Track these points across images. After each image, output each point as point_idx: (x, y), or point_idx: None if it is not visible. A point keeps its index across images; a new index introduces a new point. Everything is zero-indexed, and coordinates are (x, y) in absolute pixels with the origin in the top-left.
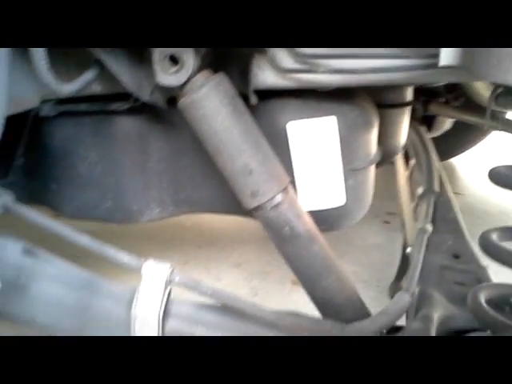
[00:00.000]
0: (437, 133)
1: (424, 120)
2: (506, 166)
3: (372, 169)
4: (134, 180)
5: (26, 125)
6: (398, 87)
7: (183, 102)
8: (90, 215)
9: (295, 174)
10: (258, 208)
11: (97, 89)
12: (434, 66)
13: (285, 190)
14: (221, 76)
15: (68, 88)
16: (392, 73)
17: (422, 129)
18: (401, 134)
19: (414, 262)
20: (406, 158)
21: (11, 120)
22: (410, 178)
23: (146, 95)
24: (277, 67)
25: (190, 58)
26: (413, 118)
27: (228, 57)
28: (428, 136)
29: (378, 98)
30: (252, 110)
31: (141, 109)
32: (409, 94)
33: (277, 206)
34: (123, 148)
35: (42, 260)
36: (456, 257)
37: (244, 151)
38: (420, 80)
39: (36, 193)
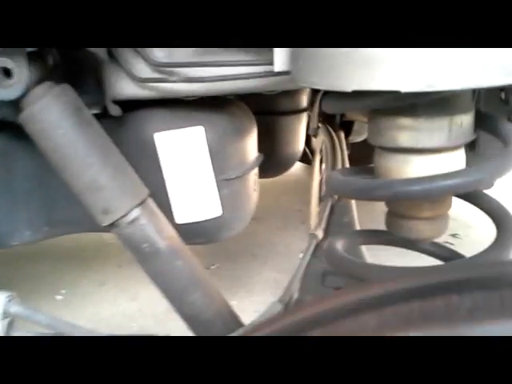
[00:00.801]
0: (357, 138)
1: (342, 125)
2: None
3: (250, 177)
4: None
5: None
6: (289, 94)
7: (22, 116)
8: None
9: (167, 186)
10: (112, 225)
11: None
12: (272, 72)
13: (142, 204)
14: (63, 87)
15: None
16: (237, 80)
17: (338, 134)
18: (296, 141)
19: (296, 269)
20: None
21: None
22: (321, 181)
23: None
24: (133, 76)
25: (23, 70)
26: (329, 124)
27: (82, 67)
28: (345, 141)
29: (267, 106)
30: (118, 121)
31: (1, 124)
32: (303, 102)
33: (133, 221)
34: None
35: None
36: None
37: (91, 166)
38: (265, 88)
39: None
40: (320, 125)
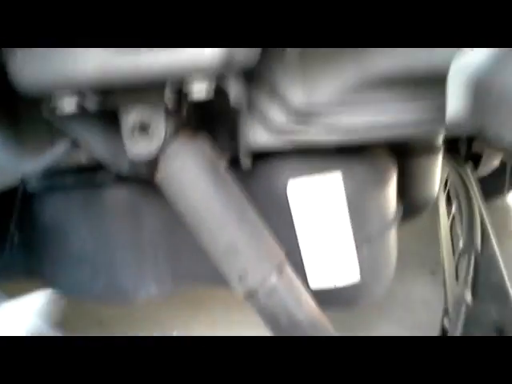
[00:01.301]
0: (485, 171)
1: (469, 159)
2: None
3: (391, 234)
4: (127, 255)
5: (15, 200)
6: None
7: (157, 175)
8: (84, 294)
9: (300, 244)
10: (248, 294)
11: (82, 159)
12: (440, 121)
13: (279, 268)
14: (198, 141)
15: (31, 166)
16: (394, 129)
17: (466, 169)
18: (431, 183)
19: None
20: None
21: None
22: (452, 226)
23: (124, 168)
24: (269, 126)
25: (160, 125)
26: (456, 158)
27: (215, 117)
28: (473, 176)
29: (399, 146)
30: (247, 171)
31: (130, 179)
32: (438, 138)
33: (270, 291)
34: (114, 221)
35: None
36: (500, 331)
37: (227, 229)
38: (425, 135)
39: (33, 268)
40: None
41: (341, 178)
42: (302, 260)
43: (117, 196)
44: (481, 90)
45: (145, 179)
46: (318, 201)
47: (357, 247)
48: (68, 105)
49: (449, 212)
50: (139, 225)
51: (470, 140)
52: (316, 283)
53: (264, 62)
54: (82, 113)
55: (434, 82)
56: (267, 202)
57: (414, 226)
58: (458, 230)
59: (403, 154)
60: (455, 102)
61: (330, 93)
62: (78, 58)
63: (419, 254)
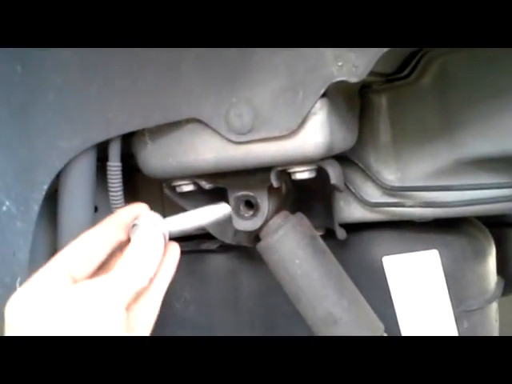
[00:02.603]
0: None
1: None
2: None
3: (492, 307)
4: (226, 320)
5: None
6: None
7: (260, 245)
8: None
9: (398, 317)
10: None
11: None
12: None
13: None
14: (298, 217)
15: None
16: (491, 205)
17: None
18: None
19: None
20: None
21: None
22: None
23: (228, 238)
24: (363, 201)
25: (264, 201)
26: None
27: (311, 193)
28: None
29: (498, 218)
30: (342, 243)
31: (231, 246)
32: None
33: None
34: (214, 286)
35: None
36: None
37: (326, 298)
38: None
39: None
40: None
41: (438, 255)
42: (399, 332)
43: (217, 261)
44: None
45: (245, 247)
46: (415, 276)
47: (456, 321)
48: (186, 186)
49: None
50: (237, 289)
51: None
52: None
53: (358, 145)
54: (197, 191)
55: None
56: (361, 274)
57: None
58: None
59: (502, 226)
60: None
61: (424, 173)
62: (197, 149)
63: None
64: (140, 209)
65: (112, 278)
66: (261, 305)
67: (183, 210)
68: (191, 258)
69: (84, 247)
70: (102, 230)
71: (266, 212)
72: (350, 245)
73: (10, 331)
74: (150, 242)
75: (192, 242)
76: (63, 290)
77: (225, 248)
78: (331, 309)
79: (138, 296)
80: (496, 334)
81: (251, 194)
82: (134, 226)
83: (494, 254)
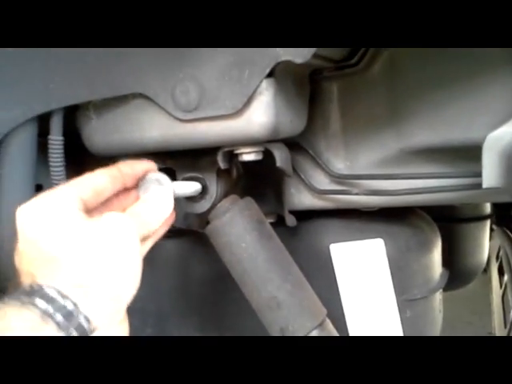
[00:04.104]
0: None
1: None
2: None
3: (436, 298)
4: (175, 307)
5: None
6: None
7: (208, 228)
8: None
9: (343, 304)
10: None
11: None
12: (478, 186)
13: (321, 325)
14: (247, 201)
15: None
16: (434, 193)
17: None
18: (479, 251)
19: None
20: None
21: None
22: (503, 297)
23: (178, 222)
24: (312, 188)
25: (213, 184)
26: (507, 225)
27: (263, 180)
28: None
29: (448, 212)
30: (290, 230)
31: (182, 231)
32: (487, 207)
33: None
34: (164, 272)
35: None
36: None
37: (270, 281)
38: (463, 200)
39: None
40: (495, 227)
41: (383, 244)
42: (343, 319)
43: (168, 248)
44: None
45: (195, 232)
46: (360, 264)
47: (400, 309)
48: None
49: (501, 283)
50: (187, 276)
51: None
52: None
53: (308, 132)
54: None
55: (472, 151)
56: (309, 261)
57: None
58: (510, 300)
59: (451, 221)
60: (491, 170)
61: (371, 162)
62: (142, 126)
63: (472, 325)
64: (150, 166)
65: (134, 214)
66: (211, 291)
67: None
68: None
69: (97, 180)
70: (114, 172)
71: (214, 195)
72: (300, 233)
73: (23, 238)
74: (166, 196)
75: None
76: (77, 211)
77: (176, 233)
78: (275, 292)
79: (143, 239)
80: (439, 324)
81: (200, 175)
82: (143, 179)
83: (440, 246)
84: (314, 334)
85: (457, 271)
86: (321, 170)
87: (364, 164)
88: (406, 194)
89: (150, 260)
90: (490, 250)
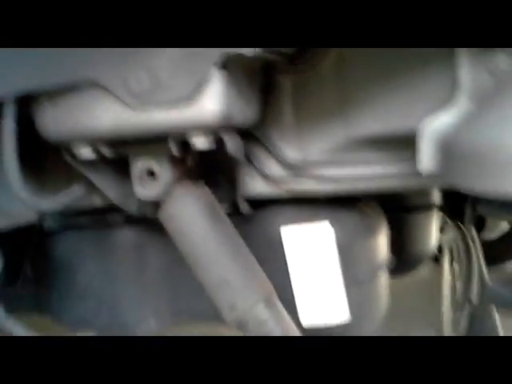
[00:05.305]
0: (491, 235)
1: (475, 221)
2: None
3: (381, 280)
4: (130, 292)
5: (32, 237)
6: (419, 190)
7: (161, 213)
8: (87, 326)
9: (293, 285)
10: (237, 322)
11: (97, 202)
12: (417, 172)
13: (267, 299)
14: (199, 187)
15: (47, 204)
16: (380, 180)
17: (470, 231)
18: (426, 239)
19: None
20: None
21: (19, 231)
22: (453, 284)
23: (133, 209)
24: (265, 176)
25: (165, 171)
26: (460, 220)
27: (216, 166)
28: (478, 239)
29: (395, 202)
30: (245, 218)
31: (138, 220)
32: (434, 197)
33: (258, 320)
34: (120, 260)
35: None
36: None
37: (220, 263)
38: (407, 187)
39: (42, 303)
40: (448, 220)
41: (330, 227)
42: (294, 301)
43: (124, 235)
44: (448, 147)
45: (151, 221)
46: (309, 246)
47: (346, 290)
48: (85, 152)
49: (452, 271)
50: (143, 262)
51: (475, 203)
52: (308, 321)
53: (262, 123)
54: (98, 159)
55: (413, 141)
56: (262, 247)
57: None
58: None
59: (399, 210)
60: (425, 155)
61: (322, 150)
62: (95, 113)
63: (425, 313)
64: None
65: None
66: (166, 278)
67: (90, 185)
68: (98, 231)
69: None
70: None
71: (166, 181)
72: (253, 220)
73: None
74: None
75: (97, 216)
76: None
77: (132, 221)
78: (223, 273)
79: None
80: (384, 306)
81: (153, 162)
82: None
83: (385, 233)
84: (261, 307)
85: (404, 258)
86: (274, 158)
87: (315, 152)
88: (350, 180)
89: (106, 247)
90: (443, 241)
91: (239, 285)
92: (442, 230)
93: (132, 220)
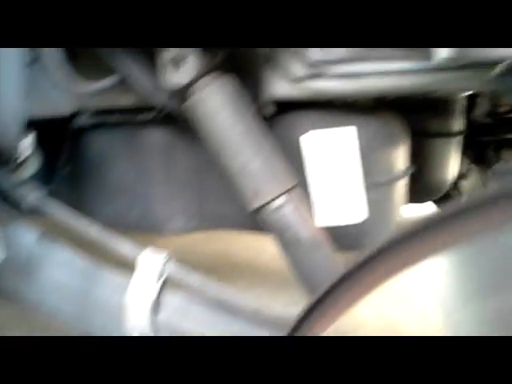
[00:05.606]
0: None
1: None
2: None
3: (399, 186)
4: (160, 190)
5: (67, 136)
6: (441, 115)
7: (187, 102)
8: (120, 223)
9: (310, 185)
10: (260, 209)
11: (128, 101)
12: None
13: (289, 192)
14: (228, 77)
15: (83, 88)
16: (400, 76)
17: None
18: (447, 166)
19: None
20: None
21: (54, 130)
22: None
23: (162, 100)
24: (289, 76)
25: (192, 59)
26: (485, 167)
27: (244, 66)
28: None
29: (419, 126)
30: (270, 122)
31: (167, 120)
32: (456, 124)
33: (279, 208)
34: (150, 158)
35: (52, 247)
36: None
37: (244, 151)
38: (424, 86)
39: (75, 200)
40: (472, 165)
41: (355, 131)
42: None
43: (153, 135)
44: None
45: (179, 123)
46: (332, 149)
47: (366, 191)
48: None
49: None
50: (171, 162)
51: (499, 148)
52: (323, 221)
53: None
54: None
55: None
56: (286, 149)
57: None
58: None
59: (422, 134)
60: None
61: (344, 49)
62: None
63: None
64: None
65: None
66: (194, 180)
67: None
68: (129, 130)
69: None
70: None
71: (193, 69)
72: (276, 124)
73: None
74: None
75: (127, 114)
76: None
77: (160, 122)
78: (248, 160)
79: None
80: (399, 210)
81: (182, 51)
82: None
83: (407, 142)
84: (283, 198)
85: (423, 185)
86: (297, 57)
87: (337, 53)
88: (373, 77)
89: (136, 146)
90: (465, 189)
91: (262, 173)
92: (464, 175)
93: (161, 121)
